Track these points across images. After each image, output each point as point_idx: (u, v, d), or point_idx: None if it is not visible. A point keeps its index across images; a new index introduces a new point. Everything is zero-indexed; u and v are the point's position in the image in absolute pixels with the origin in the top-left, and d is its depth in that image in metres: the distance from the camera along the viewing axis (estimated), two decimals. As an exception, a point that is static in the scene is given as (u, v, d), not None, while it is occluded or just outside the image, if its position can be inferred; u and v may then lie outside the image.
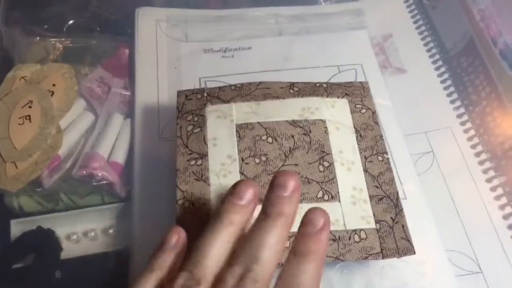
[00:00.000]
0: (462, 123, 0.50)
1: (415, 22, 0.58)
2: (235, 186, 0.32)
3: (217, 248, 0.29)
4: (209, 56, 0.55)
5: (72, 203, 0.45)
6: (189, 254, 0.29)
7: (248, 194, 0.31)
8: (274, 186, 0.31)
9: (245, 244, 0.29)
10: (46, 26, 0.57)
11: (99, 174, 0.45)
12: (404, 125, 0.48)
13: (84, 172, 0.45)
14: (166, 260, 0.31)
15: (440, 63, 0.54)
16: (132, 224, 0.43)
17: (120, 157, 0.47)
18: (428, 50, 0.55)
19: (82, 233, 0.44)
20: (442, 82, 0.53)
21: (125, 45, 0.56)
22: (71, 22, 0.59)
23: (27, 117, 0.43)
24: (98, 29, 0.59)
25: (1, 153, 0.42)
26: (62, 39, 0.55)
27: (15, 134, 0.43)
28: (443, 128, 0.49)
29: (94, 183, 0.45)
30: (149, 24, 0.57)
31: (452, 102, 0.51)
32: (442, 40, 0.56)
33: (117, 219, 0.45)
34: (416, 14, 0.58)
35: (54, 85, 0.45)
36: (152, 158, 0.47)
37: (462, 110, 0.50)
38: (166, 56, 0.54)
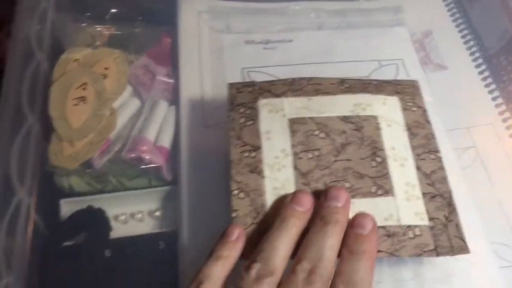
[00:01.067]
0: (504, 120, 0.49)
1: (454, 21, 0.57)
2: (296, 194, 0.36)
3: (284, 245, 0.33)
4: (251, 47, 0.54)
5: (120, 185, 0.46)
6: (259, 248, 0.33)
7: (308, 203, 0.35)
8: (329, 197, 0.35)
9: (309, 245, 0.33)
10: (88, 14, 0.58)
11: (147, 157, 0.46)
12: (446, 121, 0.48)
13: (133, 155, 0.46)
14: (232, 250, 0.34)
15: (480, 60, 0.53)
16: (180, 207, 0.43)
17: (166, 142, 0.48)
18: (468, 48, 0.55)
19: (129, 214, 0.45)
20: (483, 79, 0.52)
21: (167, 34, 0.56)
22: (113, 10, 0.60)
23: (82, 99, 0.43)
24: (140, 18, 0.60)
25: (59, 132, 0.43)
26: (108, 26, 0.56)
27: (71, 114, 0.43)
28: (485, 124, 0.49)
29: (142, 166, 0.46)
30: (191, 14, 0.56)
31: (494, 99, 0.51)
32: (482, 38, 0.55)
33: (163, 202, 0.46)
34: (455, 12, 0.58)
35: (106, 68, 0.46)
36: (198, 144, 0.47)
37: (503, 107, 0.50)
38: (209, 46, 0.53)
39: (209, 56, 0.53)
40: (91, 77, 0.45)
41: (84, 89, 0.44)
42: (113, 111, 0.45)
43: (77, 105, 0.44)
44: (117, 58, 0.47)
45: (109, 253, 0.42)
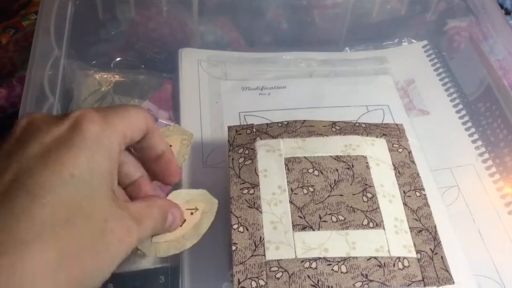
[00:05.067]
0: (484, 161, 0.51)
1: (435, 70, 0.60)
2: None
3: None
4: (247, 93, 0.57)
5: (123, 222, 0.48)
6: None
7: None
8: None
9: None
10: (94, 62, 0.62)
11: (149, 195, 0.48)
12: (430, 161, 0.50)
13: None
14: None
15: (460, 106, 0.56)
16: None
17: (167, 181, 0.50)
18: (449, 95, 0.57)
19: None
20: (463, 123, 0.54)
21: (169, 80, 0.58)
22: (118, 59, 0.63)
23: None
24: (143, 66, 0.63)
25: None
26: (113, 73, 0.59)
27: None
28: (466, 165, 0.51)
29: (144, 203, 0.48)
30: (191, 63, 0.59)
31: (474, 141, 0.53)
32: (461, 86, 0.58)
33: (165, 238, 0.48)
34: (436, 62, 0.61)
35: (170, 145, 0.45)
36: (198, 183, 0.49)
37: (483, 149, 0.52)
38: (208, 92, 0.56)
39: (208, 101, 0.56)
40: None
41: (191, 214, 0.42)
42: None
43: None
44: (184, 140, 0.45)
45: (112, 287, 0.43)
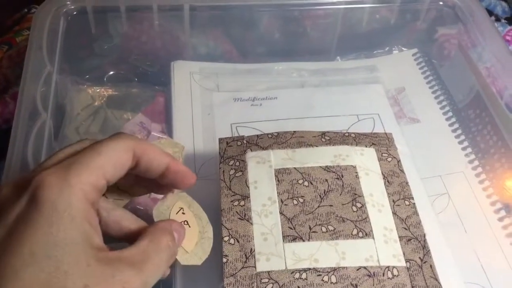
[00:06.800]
0: (474, 168, 0.52)
1: (425, 78, 0.61)
2: None
3: None
4: (239, 104, 0.57)
5: (117, 235, 0.48)
6: None
7: None
8: None
9: None
10: (87, 76, 0.62)
11: (142, 208, 0.49)
12: (420, 169, 0.50)
13: (128, 206, 0.48)
14: None
15: (450, 114, 0.56)
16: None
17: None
18: (439, 103, 0.58)
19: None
20: (453, 131, 0.55)
21: (161, 93, 0.59)
22: (111, 73, 0.64)
23: (185, 222, 0.40)
24: (136, 79, 0.64)
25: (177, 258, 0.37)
26: (106, 87, 0.60)
27: None
28: (456, 172, 0.52)
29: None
30: (183, 75, 0.60)
31: (464, 149, 0.53)
32: (451, 94, 0.58)
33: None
34: (426, 70, 0.61)
35: None
36: (190, 195, 0.50)
37: (473, 156, 0.53)
38: (200, 104, 0.56)
39: (200, 113, 0.56)
40: (184, 202, 0.41)
41: (183, 213, 0.40)
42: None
43: (183, 229, 0.41)
44: (175, 152, 0.45)
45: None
